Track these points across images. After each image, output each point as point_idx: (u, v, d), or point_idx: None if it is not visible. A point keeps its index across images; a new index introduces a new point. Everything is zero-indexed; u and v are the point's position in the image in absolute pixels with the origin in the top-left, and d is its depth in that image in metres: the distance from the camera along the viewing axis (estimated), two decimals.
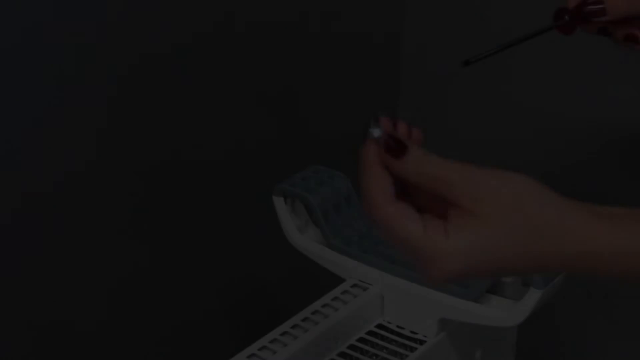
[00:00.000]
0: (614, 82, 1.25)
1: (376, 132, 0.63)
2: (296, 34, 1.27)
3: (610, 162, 1.29)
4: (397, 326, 0.93)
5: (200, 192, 1.19)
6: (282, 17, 1.23)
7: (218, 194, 1.21)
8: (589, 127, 1.30)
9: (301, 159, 1.25)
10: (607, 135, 1.29)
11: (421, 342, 0.91)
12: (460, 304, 0.89)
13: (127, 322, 1.15)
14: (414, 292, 0.91)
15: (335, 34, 1.32)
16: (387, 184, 0.62)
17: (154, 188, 1.14)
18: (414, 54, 1.43)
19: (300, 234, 0.97)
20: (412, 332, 0.92)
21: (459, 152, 1.48)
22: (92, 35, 1.02)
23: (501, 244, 0.62)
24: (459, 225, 0.61)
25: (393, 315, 0.93)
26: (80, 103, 1.03)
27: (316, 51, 1.30)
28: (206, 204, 1.20)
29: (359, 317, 0.91)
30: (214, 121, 1.19)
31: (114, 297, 1.13)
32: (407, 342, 0.91)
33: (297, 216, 0.98)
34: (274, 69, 1.24)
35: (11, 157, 0.99)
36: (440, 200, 0.62)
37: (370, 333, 0.92)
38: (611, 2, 0.85)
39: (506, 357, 1.06)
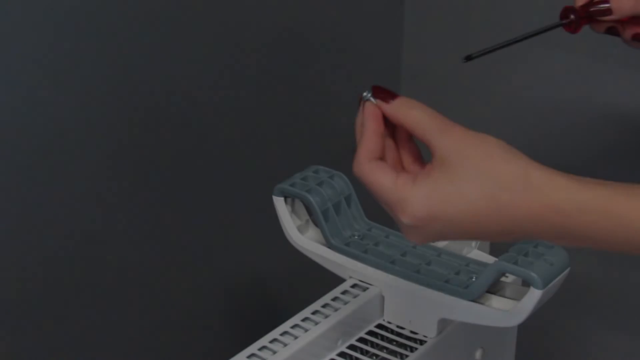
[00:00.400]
0: (619, 81, 1.25)
1: (369, 95, 0.70)
2: (296, 34, 1.27)
3: (613, 161, 1.29)
4: (397, 326, 0.93)
5: (200, 192, 1.19)
6: (283, 16, 1.23)
7: (218, 194, 1.21)
8: (593, 126, 1.30)
9: (301, 159, 1.25)
10: (611, 135, 1.29)
11: (421, 342, 0.91)
12: (460, 304, 0.89)
13: (127, 322, 1.15)
14: (414, 292, 0.91)
15: (336, 34, 1.32)
16: (372, 146, 0.68)
17: (154, 188, 1.14)
18: (414, 54, 1.43)
19: (301, 234, 0.98)
20: (412, 332, 0.92)
21: None
22: (87, 33, 1.02)
23: (464, 190, 0.65)
24: (426, 173, 0.66)
25: (393, 315, 0.93)
26: (81, 102, 1.03)
27: (316, 51, 1.30)
28: (206, 203, 1.20)
29: (359, 317, 0.91)
30: (214, 121, 1.19)
31: (114, 296, 1.13)
32: (407, 342, 0.91)
33: (297, 216, 0.98)
34: (274, 69, 1.24)
35: (8, 154, 0.99)
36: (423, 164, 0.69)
37: (370, 333, 0.92)
38: (617, 1, 0.85)
39: (506, 357, 1.06)
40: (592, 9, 0.86)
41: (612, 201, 0.64)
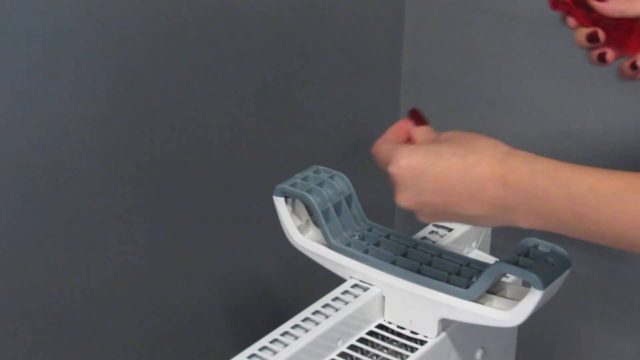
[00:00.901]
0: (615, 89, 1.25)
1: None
2: (297, 34, 1.27)
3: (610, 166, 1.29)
4: (398, 326, 0.93)
5: (200, 192, 1.19)
6: (283, 16, 1.23)
7: (218, 194, 1.21)
8: (589, 131, 1.30)
9: (301, 159, 1.25)
10: (607, 142, 1.29)
11: (422, 342, 0.91)
12: (461, 304, 0.89)
13: (127, 322, 1.15)
14: (414, 292, 0.91)
15: (336, 34, 1.32)
16: (390, 137, 0.85)
17: (154, 188, 1.14)
18: (415, 54, 1.43)
19: (301, 234, 0.97)
20: (412, 332, 0.92)
21: None
22: (86, 27, 1.02)
23: (441, 150, 0.78)
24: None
25: (394, 316, 0.93)
26: (82, 102, 1.03)
27: (317, 51, 1.30)
28: (206, 204, 1.20)
29: (359, 317, 0.91)
30: (214, 121, 1.19)
31: (115, 296, 1.13)
32: (407, 342, 0.91)
33: (298, 216, 0.98)
34: (274, 69, 1.24)
35: (8, 151, 0.99)
36: None
37: (370, 333, 0.92)
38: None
39: (506, 357, 1.06)
40: None
41: (559, 166, 0.73)
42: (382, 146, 0.83)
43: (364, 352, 0.90)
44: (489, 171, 0.75)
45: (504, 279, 0.91)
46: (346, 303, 0.91)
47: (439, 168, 0.77)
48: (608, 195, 0.70)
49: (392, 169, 0.79)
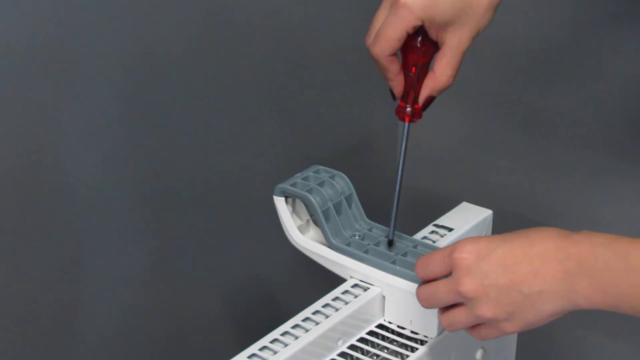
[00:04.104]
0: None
1: None
2: (297, 34, 1.27)
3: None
4: (398, 326, 0.93)
5: (201, 192, 1.19)
6: (283, 16, 1.23)
7: (219, 194, 1.21)
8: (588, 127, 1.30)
9: (301, 159, 1.25)
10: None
11: (422, 342, 0.91)
12: None
13: (127, 322, 1.15)
14: (415, 292, 0.91)
15: (336, 34, 1.32)
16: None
17: (154, 188, 1.14)
18: None
19: (301, 234, 0.98)
20: (413, 332, 0.92)
21: (455, 149, 1.49)
22: (96, 37, 1.02)
23: (506, 238, 0.78)
24: None
25: (394, 316, 0.93)
26: (82, 103, 1.03)
27: (317, 51, 1.30)
28: (207, 204, 1.20)
29: (359, 317, 0.91)
30: (215, 121, 1.19)
31: (115, 296, 1.13)
32: (408, 342, 0.91)
33: (298, 216, 0.98)
34: (274, 68, 1.24)
35: (8, 151, 0.99)
36: None
37: (371, 333, 0.92)
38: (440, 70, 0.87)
39: (506, 357, 1.06)
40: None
41: (619, 238, 0.73)
42: (434, 256, 0.82)
43: (364, 352, 0.90)
44: (553, 246, 0.75)
45: None
46: (346, 303, 0.91)
47: (504, 248, 0.77)
48: None
49: (457, 255, 0.78)
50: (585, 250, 0.74)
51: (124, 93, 1.07)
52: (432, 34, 0.85)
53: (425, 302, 0.83)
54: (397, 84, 0.88)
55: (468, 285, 0.78)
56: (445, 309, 0.82)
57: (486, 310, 0.78)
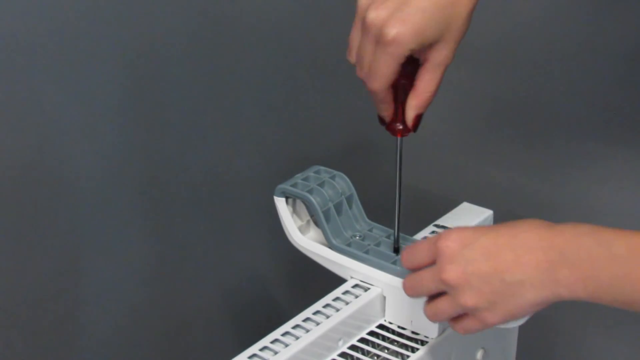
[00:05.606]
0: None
1: None
2: (297, 34, 1.27)
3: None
4: (399, 326, 0.93)
5: (201, 192, 1.19)
6: (283, 16, 1.24)
7: (219, 195, 1.21)
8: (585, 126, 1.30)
9: (302, 159, 1.25)
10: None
11: (423, 343, 0.91)
12: None
13: (127, 322, 1.15)
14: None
15: (336, 34, 1.32)
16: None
17: (154, 188, 1.14)
18: None
19: (302, 235, 0.98)
20: (413, 332, 0.92)
21: (455, 149, 1.49)
22: (97, 37, 1.02)
23: (491, 227, 0.79)
24: None
25: (394, 316, 0.93)
26: (82, 103, 1.03)
27: (317, 50, 1.30)
28: (207, 204, 1.20)
29: (360, 318, 0.91)
30: (215, 122, 1.19)
31: (115, 296, 1.13)
32: (408, 343, 0.91)
33: (299, 217, 0.98)
34: (274, 68, 1.24)
35: (8, 151, 0.99)
36: None
37: (371, 333, 0.92)
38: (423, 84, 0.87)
39: (507, 357, 1.06)
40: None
41: (602, 228, 0.74)
42: (419, 245, 0.82)
43: (364, 353, 0.90)
44: (537, 235, 0.75)
45: None
46: (347, 303, 0.91)
47: (489, 236, 0.77)
48: None
49: (441, 243, 0.79)
50: (569, 240, 0.74)
51: (124, 94, 1.07)
52: (417, 54, 0.85)
53: (410, 290, 0.84)
54: (389, 112, 0.88)
55: (451, 272, 0.78)
56: (430, 299, 0.82)
57: (468, 299, 0.78)
